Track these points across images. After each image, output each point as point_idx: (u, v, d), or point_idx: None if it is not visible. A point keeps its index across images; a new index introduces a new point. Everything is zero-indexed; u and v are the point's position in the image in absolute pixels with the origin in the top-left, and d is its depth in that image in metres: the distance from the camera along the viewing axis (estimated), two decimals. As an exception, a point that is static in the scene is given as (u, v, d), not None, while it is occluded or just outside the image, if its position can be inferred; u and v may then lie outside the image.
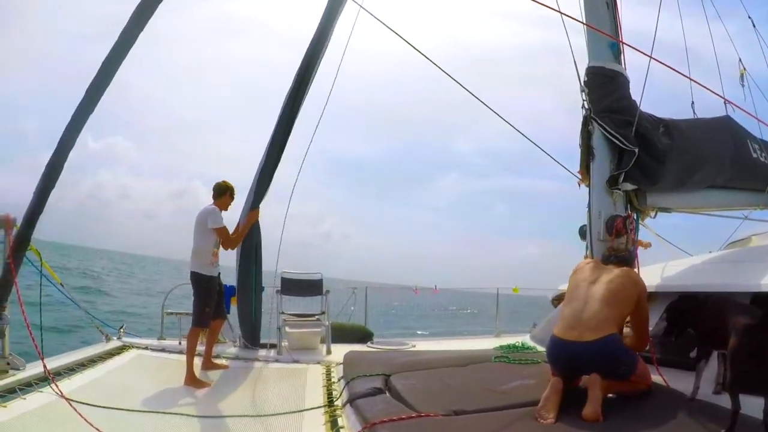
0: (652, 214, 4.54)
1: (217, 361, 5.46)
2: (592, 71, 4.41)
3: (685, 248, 5.18)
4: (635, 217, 4.28)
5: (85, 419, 3.23)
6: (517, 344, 5.61)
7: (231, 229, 5.49)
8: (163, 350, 5.86)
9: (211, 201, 5.30)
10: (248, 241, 6.00)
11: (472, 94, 4.80)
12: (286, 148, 5.94)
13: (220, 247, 5.34)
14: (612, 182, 4.15)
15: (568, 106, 4.42)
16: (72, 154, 4.24)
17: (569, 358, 3.31)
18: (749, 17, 6.95)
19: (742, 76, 6.23)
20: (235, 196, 5.49)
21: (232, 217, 5.76)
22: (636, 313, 3.60)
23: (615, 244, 3.99)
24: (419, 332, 9.75)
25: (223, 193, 5.34)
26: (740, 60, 6.27)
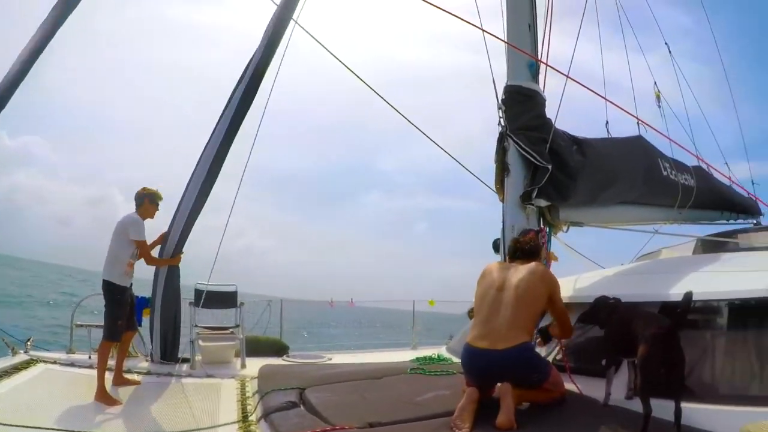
0: (565, 228, 4.70)
1: (129, 376, 5.24)
2: (509, 89, 4.54)
3: (598, 261, 5.40)
4: (548, 231, 4.42)
5: None
6: (433, 356, 5.68)
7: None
8: (72, 364, 5.56)
9: (133, 209, 5.11)
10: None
11: (400, 113, 4.94)
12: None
13: (137, 258, 5.17)
14: (525, 198, 4.26)
15: (493, 129, 4.54)
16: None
17: (482, 367, 3.34)
18: (666, 43, 7.38)
19: (657, 97, 6.56)
20: (159, 203, 5.26)
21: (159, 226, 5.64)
22: (552, 308, 3.66)
23: (520, 236, 4.00)
24: (335, 345, 9.75)
25: (142, 200, 5.13)
26: (655, 83, 6.62)
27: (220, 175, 5.63)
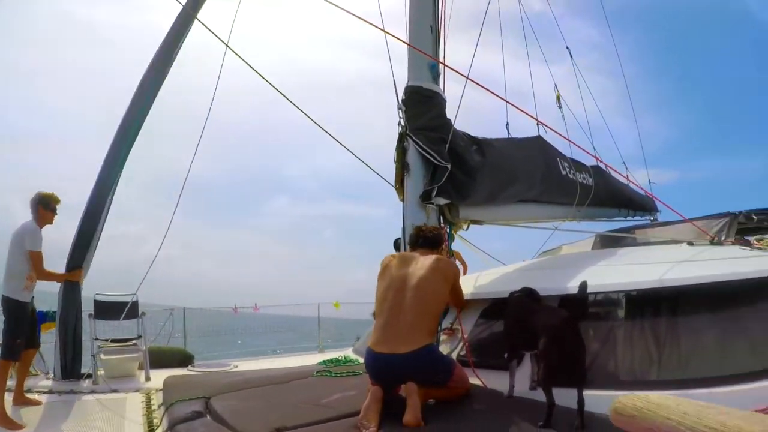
0: (465, 226, 4.79)
1: (30, 396, 4.93)
2: (410, 90, 4.58)
3: (501, 258, 5.56)
4: (448, 230, 4.49)
5: None
6: (339, 358, 5.66)
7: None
8: None
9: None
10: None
11: (306, 113, 4.83)
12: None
13: None
14: (425, 197, 4.31)
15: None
16: None
17: (386, 371, 3.33)
18: (567, 48, 7.73)
19: (558, 98, 6.84)
20: (56, 206, 4.96)
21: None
22: (453, 299, 3.76)
23: (420, 225, 4.03)
24: (241, 353, 9.63)
25: (36, 206, 4.83)
26: (556, 86, 6.91)
27: (125, 182, 5.44)
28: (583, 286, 3.09)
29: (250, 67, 4.88)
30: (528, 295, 3.65)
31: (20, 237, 4.69)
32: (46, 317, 5.67)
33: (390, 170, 4.58)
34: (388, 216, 4.66)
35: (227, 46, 5.06)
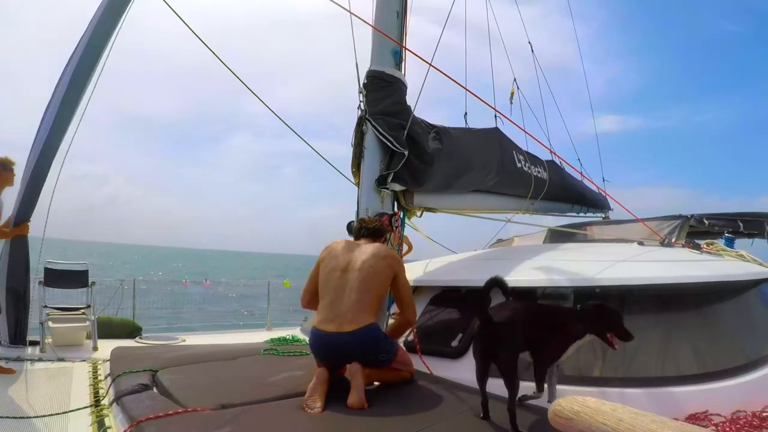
0: (419, 213, 4.83)
1: (3, 365, 4.83)
2: (372, 74, 4.57)
3: (454, 247, 5.63)
4: (402, 216, 4.53)
5: None
6: (287, 337, 5.69)
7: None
8: None
9: None
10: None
11: (235, 75, 4.78)
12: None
13: None
14: (381, 182, 4.33)
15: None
16: None
17: (330, 350, 3.38)
18: (529, 42, 7.84)
19: (512, 95, 6.93)
20: (12, 167, 4.94)
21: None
22: (396, 290, 3.72)
23: (362, 218, 4.09)
24: (189, 327, 9.59)
25: None
26: (515, 80, 6.99)
27: (83, 124, 5.19)
28: (491, 281, 2.97)
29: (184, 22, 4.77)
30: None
31: None
32: None
33: (345, 116, 4.53)
34: (346, 153, 4.64)
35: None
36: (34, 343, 5.73)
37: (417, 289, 4.66)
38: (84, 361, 5.24)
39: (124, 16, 4.88)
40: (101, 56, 4.95)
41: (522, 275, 4.03)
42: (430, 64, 4.64)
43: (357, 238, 3.91)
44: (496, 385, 2.91)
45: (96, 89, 5.07)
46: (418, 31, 5.01)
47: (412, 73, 4.89)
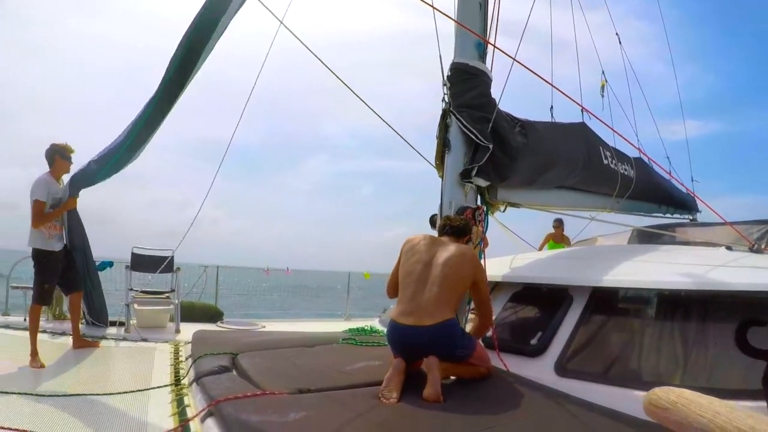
0: (502, 208, 4.74)
1: (88, 339, 5.24)
2: (455, 67, 4.51)
3: (534, 243, 5.49)
4: (485, 210, 4.45)
5: None
6: (365, 327, 5.73)
7: None
8: (7, 326, 5.60)
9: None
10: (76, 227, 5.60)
11: (343, 82, 4.82)
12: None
13: (59, 220, 5.03)
14: (465, 175, 4.27)
15: (436, 93, 4.52)
16: None
17: (408, 343, 3.38)
18: (616, 34, 7.53)
19: (602, 87, 6.68)
20: (70, 156, 5.07)
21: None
22: (475, 293, 3.71)
23: (448, 216, 4.05)
24: (270, 313, 9.78)
25: (51, 158, 4.96)
26: (603, 72, 6.73)
27: (163, 150, 5.36)
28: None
29: (298, 39, 4.86)
30: None
31: (31, 191, 4.82)
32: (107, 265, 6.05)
33: (420, 126, 4.53)
34: (427, 171, 4.60)
35: (266, 7, 5.02)
36: (120, 324, 6.06)
37: (498, 285, 4.58)
38: (166, 342, 5.50)
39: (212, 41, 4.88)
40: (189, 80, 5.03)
41: (605, 276, 3.86)
42: (514, 59, 4.53)
43: (441, 234, 3.88)
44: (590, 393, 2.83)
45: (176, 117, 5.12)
46: (501, 23, 4.88)
47: (496, 64, 4.80)
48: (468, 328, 4.34)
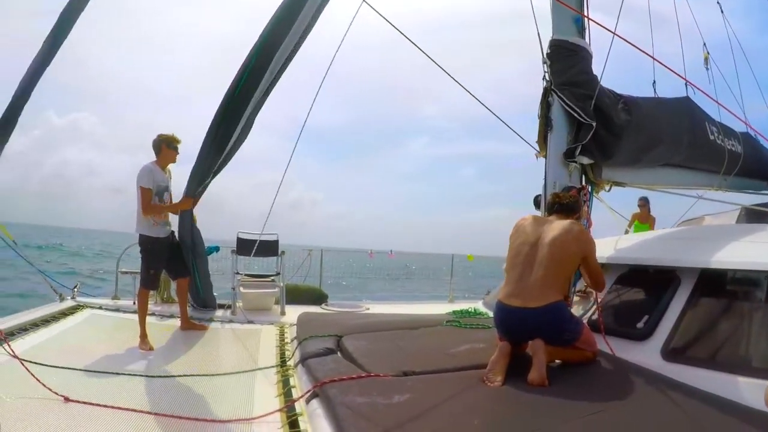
0: (607, 187, 4.60)
1: (196, 322, 5.47)
2: (555, 44, 4.42)
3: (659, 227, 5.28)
4: (590, 190, 4.34)
5: (37, 379, 3.17)
6: (469, 310, 5.70)
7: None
8: (117, 310, 5.86)
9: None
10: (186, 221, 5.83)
11: (439, 66, 4.81)
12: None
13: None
14: (568, 154, 4.18)
15: (534, 72, 4.43)
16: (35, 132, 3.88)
17: (514, 324, 3.35)
18: (718, 3, 7.07)
19: (706, 59, 6.33)
20: (177, 146, 5.23)
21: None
22: (586, 267, 3.63)
23: (557, 192, 3.94)
24: (373, 296, 9.88)
25: (159, 146, 5.13)
26: (705, 44, 6.37)
27: (266, 132, 5.48)
28: None
29: (381, 16, 4.88)
30: None
31: (137, 178, 4.98)
32: (215, 250, 6.27)
33: (518, 107, 4.46)
34: (525, 152, 4.52)
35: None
36: (226, 307, 6.26)
37: (603, 267, 4.46)
38: (272, 324, 5.67)
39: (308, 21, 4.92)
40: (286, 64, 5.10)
41: (713, 257, 3.66)
42: (614, 33, 4.37)
43: (549, 212, 3.81)
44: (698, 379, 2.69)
45: (275, 99, 5.29)
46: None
47: (596, 40, 4.65)
48: (573, 310, 4.26)
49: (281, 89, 5.31)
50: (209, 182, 5.67)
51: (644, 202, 8.53)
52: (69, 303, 5.73)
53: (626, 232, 8.35)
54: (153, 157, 5.17)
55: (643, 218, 8.43)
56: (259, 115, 5.41)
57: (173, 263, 5.38)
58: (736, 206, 5.84)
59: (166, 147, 5.14)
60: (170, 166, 5.31)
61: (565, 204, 3.76)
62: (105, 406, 3.00)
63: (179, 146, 5.27)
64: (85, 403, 3.02)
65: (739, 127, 6.06)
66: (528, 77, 4.47)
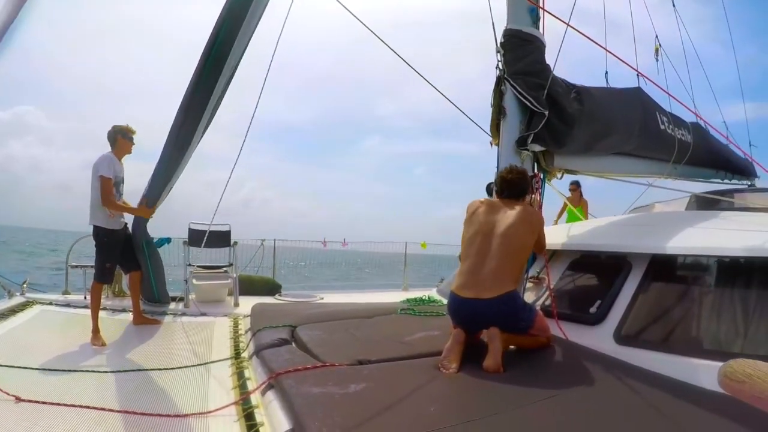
0: (559, 175, 4.68)
1: (148, 317, 5.36)
2: (509, 33, 4.45)
3: (591, 211, 5.40)
4: (542, 177, 4.41)
5: None
6: (423, 298, 5.75)
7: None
8: (68, 305, 5.71)
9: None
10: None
11: (400, 57, 4.82)
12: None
13: (121, 198, 5.11)
14: (521, 143, 4.22)
15: (491, 70, 4.48)
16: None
17: (468, 315, 3.39)
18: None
19: (656, 51, 6.48)
20: (132, 136, 5.15)
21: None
22: (536, 246, 3.73)
23: (504, 170, 3.92)
24: (327, 286, 9.88)
25: (115, 137, 5.03)
26: (656, 36, 6.52)
27: (216, 129, 5.43)
28: None
29: (345, 7, 4.87)
30: None
31: (95, 167, 4.90)
32: (167, 242, 6.08)
33: (480, 108, 4.52)
34: (479, 152, 4.60)
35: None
36: (179, 299, 6.17)
37: (555, 254, 4.55)
38: (225, 316, 5.62)
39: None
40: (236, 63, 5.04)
41: (664, 242, 3.78)
42: (568, 24, 4.45)
43: (499, 196, 3.83)
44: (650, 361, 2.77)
45: (228, 97, 5.21)
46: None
47: (549, 31, 4.71)
48: (526, 296, 4.34)
49: (238, 85, 5.26)
50: (169, 191, 5.59)
51: (576, 186, 8.54)
52: (18, 299, 5.58)
53: (555, 222, 8.47)
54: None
55: (575, 201, 8.46)
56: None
57: (126, 256, 5.30)
58: (686, 194, 6.02)
59: (121, 138, 5.06)
60: (125, 159, 5.20)
61: (514, 185, 3.78)
62: (58, 404, 2.94)
63: (134, 137, 5.18)
64: (37, 402, 2.96)
65: (689, 119, 6.23)
66: (483, 76, 4.50)
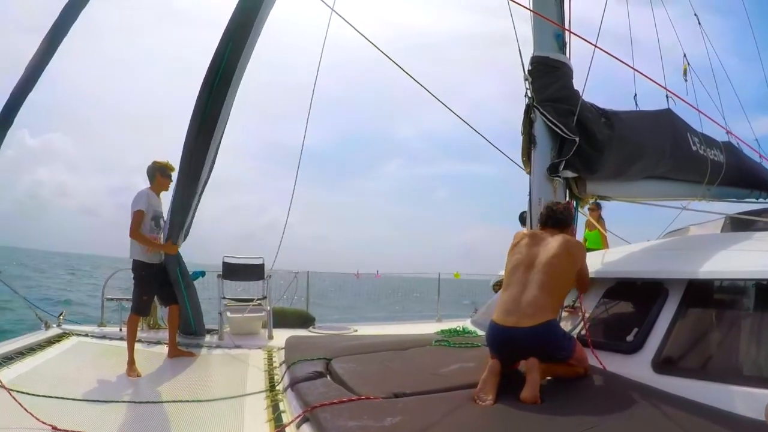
0: (591, 201, 4.63)
1: (183, 349, 5.38)
2: (536, 60, 4.46)
3: (625, 236, 5.31)
4: (575, 205, 4.36)
5: (25, 409, 3.13)
6: (458, 329, 5.67)
7: None
8: (104, 337, 5.77)
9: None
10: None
11: (419, 83, 4.84)
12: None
13: (160, 232, 5.20)
14: (552, 170, 4.20)
15: (512, 92, 4.47)
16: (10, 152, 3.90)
17: (507, 344, 3.33)
18: (695, 14, 7.18)
19: (685, 71, 6.41)
20: (171, 174, 5.26)
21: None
22: (578, 281, 3.72)
23: (551, 203, 3.95)
24: (361, 317, 9.84)
25: (154, 174, 5.15)
26: (684, 56, 6.45)
27: (237, 156, 5.52)
28: None
29: (361, 34, 4.92)
30: None
31: (132, 202, 5.02)
32: (201, 275, 6.21)
33: (497, 128, 4.49)
34: (501, 174, 4.58)
35: (337, 13, 5.13)
36: (213, 332, 6.20)
37: (591, 281, 4.46)
38: (260, 348, 5.60)
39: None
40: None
41: (700, 267, 3.69)
42: (596, 45, 4.42)
43: (543, 227, 3.81)
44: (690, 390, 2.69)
45: (245, 121, 5.32)
46: (578, 9, 4.76)
47: (576, 55, 4.69)
48: (562, 326, 4.26)
49: (252, 112, 5.32)
50: (190, 223, 5.69)
51: (595, 206, 8.40)
52: (55, 331, 5.65)
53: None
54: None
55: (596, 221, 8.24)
56: (233, 138, 5.44)
57: (164, 290, 5.38)
58: (720, 215, 5.89)
59: (160, 176, 5.19)
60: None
61: (559, 217, 3.78)
62: None
63: (173, 174, 5.31)
64: None
65: (720, 137, 6.14)
66: (509, 99, 4.49)
